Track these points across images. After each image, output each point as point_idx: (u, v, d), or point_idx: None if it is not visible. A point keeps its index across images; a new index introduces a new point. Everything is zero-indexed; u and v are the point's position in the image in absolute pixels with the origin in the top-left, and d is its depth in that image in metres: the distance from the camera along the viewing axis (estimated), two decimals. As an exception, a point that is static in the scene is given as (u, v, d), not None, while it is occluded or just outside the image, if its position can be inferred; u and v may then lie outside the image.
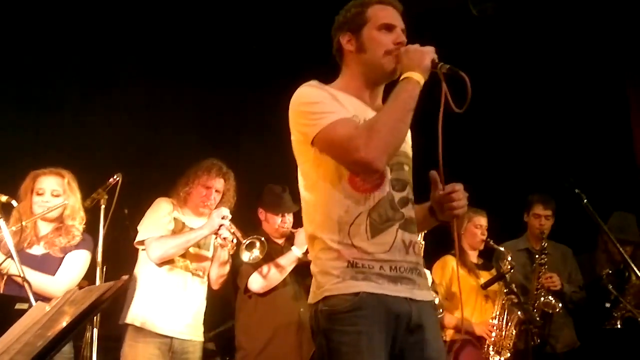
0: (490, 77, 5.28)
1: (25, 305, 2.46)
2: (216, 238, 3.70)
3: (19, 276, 2.59)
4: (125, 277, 1.92)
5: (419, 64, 2.07)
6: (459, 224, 4.42)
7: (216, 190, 3.82)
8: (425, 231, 3.86)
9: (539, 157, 5.16)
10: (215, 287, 3.86)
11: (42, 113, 4.17)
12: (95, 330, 2.69)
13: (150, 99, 4.72)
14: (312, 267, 2.14)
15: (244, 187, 4.03)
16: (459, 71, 2.04)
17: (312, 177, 2.14)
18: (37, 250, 3.32)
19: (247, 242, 3.63)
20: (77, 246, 3.36)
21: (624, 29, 4.88)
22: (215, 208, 3.77)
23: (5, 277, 2.84)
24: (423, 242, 3.96)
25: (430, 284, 3.96)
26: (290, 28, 4.81)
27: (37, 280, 3.07)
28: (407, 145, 2.27)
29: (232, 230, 3.65)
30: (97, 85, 4.44)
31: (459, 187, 2.10)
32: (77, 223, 3.39)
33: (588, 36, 4.92)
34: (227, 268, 3.85)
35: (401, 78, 2.08)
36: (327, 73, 2.28)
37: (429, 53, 2.08)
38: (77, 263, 3.34)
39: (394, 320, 2.00)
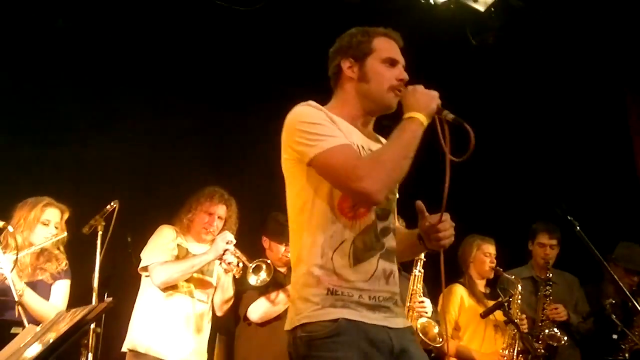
0: (494, 106, 5.33)
1: (20, 330, 2.50)
2: (220, 263, 3.72)
3: (14, 300, 2.64)
4: (109, 299, 1.93)
5: (426, 107, 2.08)
6: (467, 252, 4.46)
7: (218, 217, 3.86)
8: (424, 258, 3.92)
9: (542, 184, 5.14)
10: (219, 313, 3.88)
11: (45, 142, 4.25)
12: (91, 355, 2.71)
13: (153, 127, 4.77)
14: (292, 292, 2.14)
15: (248, 213, 4.06)
16: (463, 122, 2.05)
17: (303, 198, 2.13)
18: (31, 277, 3.41)
19: (254, 265, 3.66)
20: (64, 275, 3.51)
21: (624, 53, 4.88)
22: (219, 234, 3.81)
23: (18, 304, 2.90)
24: (422, 270, 3.95)
25: (430, 313, 3.95)
26: (296, 55, 4.88)
27: (39, 305, 3.22)
28: None
29: (237, 255, 3.68)
30: (99, 114, 4.52)
31: (445, 217, 2.09)
32: (60, 252, 3.53)
33: (588, 60, 4.93)
34: (232, 298, 3.87)
35: (405, 116, 2.09)
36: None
37: (435, 98, 2.10)
38: (64, 291, 3.48)
39: (372, 347, 1.99)
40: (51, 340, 1.75)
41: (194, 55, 4.84)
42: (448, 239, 2.09)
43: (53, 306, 3.35)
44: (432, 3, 4.61)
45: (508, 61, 4.99)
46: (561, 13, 4.72)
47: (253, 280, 3.66)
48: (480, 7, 4.72)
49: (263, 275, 3.68)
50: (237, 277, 3.76)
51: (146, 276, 3.73)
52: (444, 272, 2.12)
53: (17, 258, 2.88)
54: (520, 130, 5.45)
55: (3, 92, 4.25)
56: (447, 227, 2.08)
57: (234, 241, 3.69)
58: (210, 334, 3.83)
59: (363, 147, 2.16)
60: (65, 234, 3.47)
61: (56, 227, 3.48)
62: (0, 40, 4.24)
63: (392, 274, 2.11)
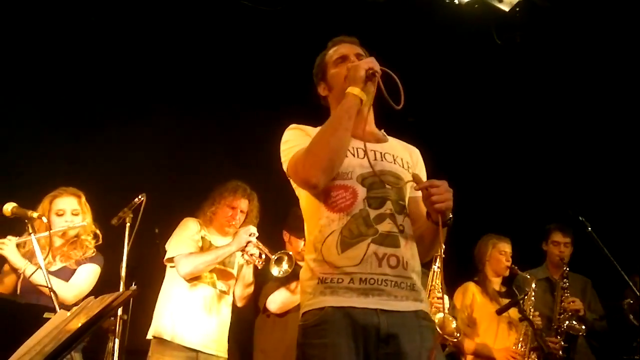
0: (513, 107, 5.35)
1: (52, 315, 2.63)
2: (242, 255, 3.84)
3: (46, 287, 2.77)
4: (133, 287, 2.04)
5: (354, 78, 2.22)
6: (483, 251, 4.51)
7: (241, 211, 3.98)
8: (443, 255, 3.95)
9: (561, 187, 5.15)
10: (240, 304, 3.99)
11: (77, 136, 4.37)
12: (117, 341, 2.82)
13: (181, 123, 4.89)
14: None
15: (270, 208, 4.16)
16: (388, 71, 2.21)
17: (302, 204, 2.34)
18: (55, 267, 3.51)
19: (276, 257, 3.77)
20: (91, 260, 3.55)
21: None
22: (240, 227, 3.92)
23: (22, 276, 3.04)
24: (441, 267, 4.00)
25: (448, 309, 4.02)
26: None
27: (55, 286, 3.18)
28: (398, 166, 2.32)
29: (259, 247, 3.80)
30: (129, 110, 4.65)
31: (439, 183, 2.12)
32: (90, 238, 3.58)
33: (610, 60, 4.90)
34: (252, 287, 3.98)
35: None
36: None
37: (362, 64, 2.22)
38: (88, 275, 3.52)
39: (361, 331, 2.07)
40: (80, 325, 1.87)
41: (220, 53, 4.95)
42: (444, 202, 2.07)
43: (65, 284, 3.40)
44: (457, 3, 4.64)
45: (528, 61, 4.99)
46: (587, 13, 4.71)
47: (275, 271, 3.76)
48: (505, 7, 4.74)
49: (285, 266, 3.78)
50: (259, 267, 3.87)
51: (171, 267, 3.85)
52: (442, 237, 2.10)
53: (49, 250, 3.01)
54: (540, 130, 5.45)
55: (34, 86, 4.39)
56: (441, 192, 2.08)
57: (257, 234, 3.81)
58: (230, 325, 3.94)
59: (348, 148, 2.25)
60: (84, 222, 3.50)
61: (74, 214, 3.52)
62: (32, 34, 4.38)
63: (387, 257, 2.13)
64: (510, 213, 5.30)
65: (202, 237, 3.91)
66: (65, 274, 3.49)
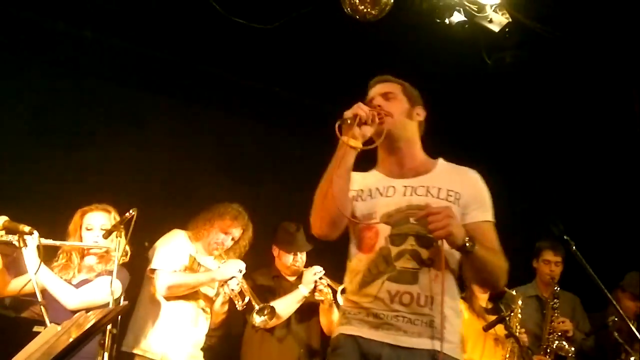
0: (501, 126, 5.42)
1: (42, 328, 2.64)
2: (222, 286, 3.84)
3: (39, 301, 2.78)
4: (125, 302, 2.05)
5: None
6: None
7: (232, 238, 3.98)
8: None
9: (550, 204, 5.20)
10: (214, 324, 3.98)
11: (69, 150, 4.37)
12: (107, 355, 2.82)
13: (174, 137, 4.92)
14: None
15: (262, 223, 4.18)
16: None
17: None
18: (76, 279, 3.46)
19: (260, 307, 3.80)
20: (107, 273, 3.42)
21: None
22: (224, 253, 3.95)
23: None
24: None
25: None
26: (312, 72, 5.01)
27: (59, 288, 3.26)
28: (430, 197, 2.29)
29: (243, 287, 3.82)
30: (120, 123, 4.66)
31: (438, 209, 2.13)
32: (120, 255, 3.39)
33: (602, 81, 4.96)
34: (226, 307, 3.97)
35: None
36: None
37: (346, 113, 2.26)
38: (100, 286, 3.37)
39: (365, 359, 2.19)
40: (71, 340, 1.89)
41: (214, 68, 5.01)
42: (442, 229, 2.07)
43: (73, 290, 3.31)
44: (448, 23, 4.70)
45: (517, 82, 5.07)
46: (577, 34, 4.78)
47: (257, 319, 3.78)
48: (495, 28, 4.81)
49: (264, 318, 3.79)
50: (239, 309, 3.85)
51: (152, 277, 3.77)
52: (445, 262, 2.18)
53: (40, 263, 3.00)
54: (529, 146, 5.51)
55: (24, 98, 4.40)
56: (438, 219, 2.08)
57: (244, 271, 3.81)
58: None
59: (378, 189, 2.34)
60: (111, 244, 3.43)
61: (104, 230, 3.42)
62: (27, 48, 4.41)
63: (402, 294, 2.19)
64: (499, 229, 5.33)
65: (189, 254, 3.87)
66: (81, 285, 3.42)
